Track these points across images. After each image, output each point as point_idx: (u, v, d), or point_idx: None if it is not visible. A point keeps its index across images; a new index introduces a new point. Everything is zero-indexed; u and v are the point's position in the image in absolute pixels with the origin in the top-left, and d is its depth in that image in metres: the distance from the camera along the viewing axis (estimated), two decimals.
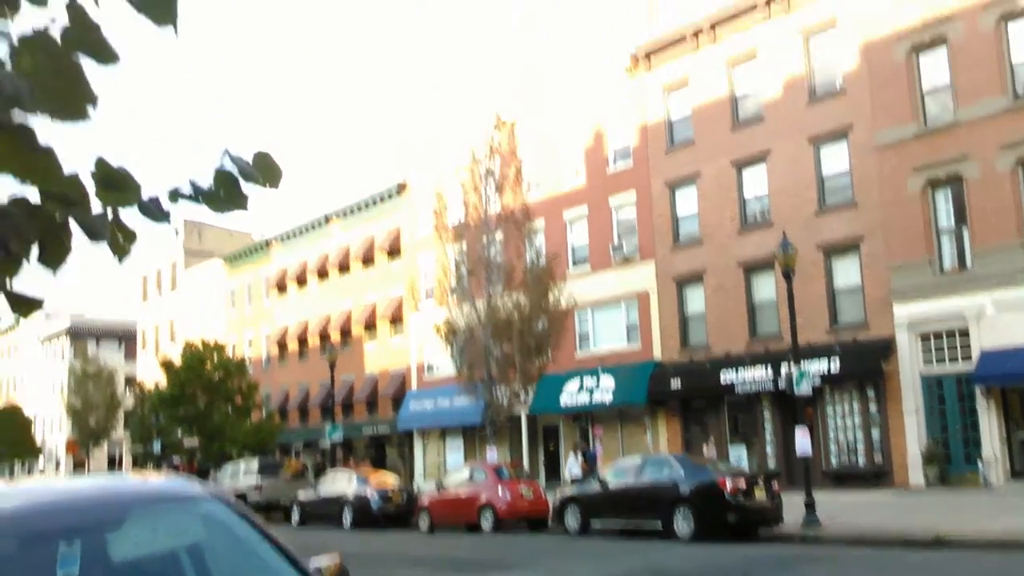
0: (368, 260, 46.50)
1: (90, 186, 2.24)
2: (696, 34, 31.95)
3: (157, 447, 48.63)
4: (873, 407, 26.68)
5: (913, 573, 12.47)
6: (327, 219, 49.41)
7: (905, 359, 25.66)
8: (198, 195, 2.37)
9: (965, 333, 24.64)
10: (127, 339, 74.01)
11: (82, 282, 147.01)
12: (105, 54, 2.09)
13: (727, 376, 29.18)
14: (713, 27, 31.48)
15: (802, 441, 19.11)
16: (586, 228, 35.66)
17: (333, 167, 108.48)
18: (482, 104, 35.58)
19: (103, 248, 2.33)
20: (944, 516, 17.65)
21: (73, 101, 2.05)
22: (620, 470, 20.97)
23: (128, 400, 59.83)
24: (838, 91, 28.12)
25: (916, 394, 25.47)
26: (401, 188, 44.52)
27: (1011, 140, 23.87)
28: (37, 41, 2.00)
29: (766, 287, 29.51)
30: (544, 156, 36.78)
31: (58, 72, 2.01)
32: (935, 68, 25.82)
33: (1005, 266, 23.74)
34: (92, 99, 2.08)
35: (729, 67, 31.18)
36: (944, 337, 25.24)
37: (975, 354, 24.08)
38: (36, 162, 2.08)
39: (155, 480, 4.46)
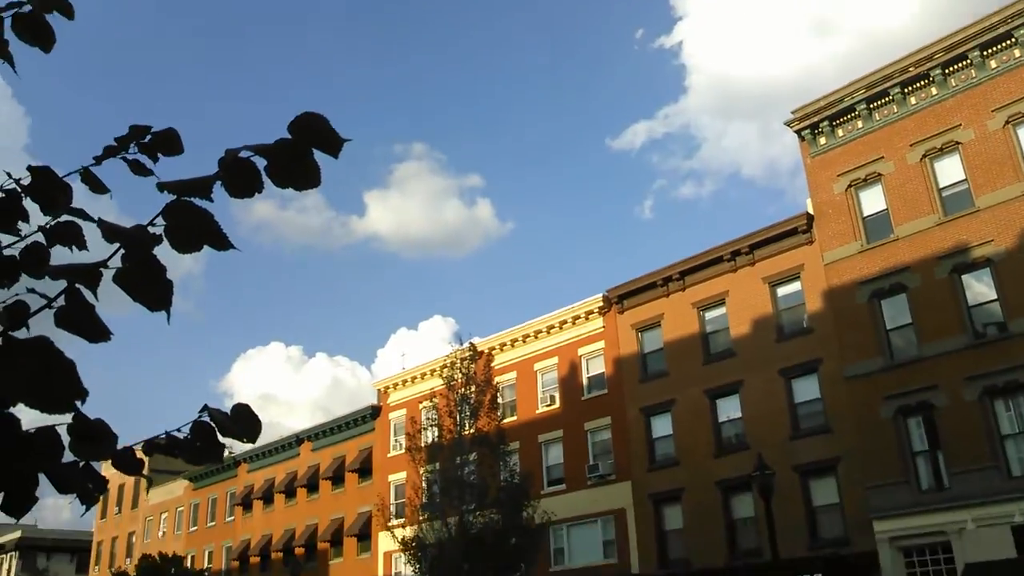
0: (338, 479, 43.37)
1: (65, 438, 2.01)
2: (666, 281, 31.92)
3: None
4: None
5: None
6: (299, 440, 46.74)
7: (888, 574, 23.70)
8: (174, 447, 2.18)
9: (948, 548, 22.95)
10: (79, 552, 66.72)
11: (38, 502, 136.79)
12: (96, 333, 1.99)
13: None
14: (682, 275, 31.66)
15: None
16: (561, 450, 33.76)
17: (304, 396, 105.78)
18: (459, 333, 35.13)
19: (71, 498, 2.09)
20: None
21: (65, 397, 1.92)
22: None
23: None
24: (805, 329, 27.87)
25: None
26: (376, 411, 42.56)
27: (975, 373, 23.38)
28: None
29: (744, 505, 27.61)
30: (520, 383, 35.77)
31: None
32: (897, 310, 25.75)
33: (982, 486, 22.54)
34: (82, 395, 1.94)
35: (699, 309, 30.93)
36: (927, 552, 23.47)
37: (959, 567, 22.32)
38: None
39: None
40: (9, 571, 66.67)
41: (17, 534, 69.79)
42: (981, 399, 23.36)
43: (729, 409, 29.17)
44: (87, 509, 2.18)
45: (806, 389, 27.46)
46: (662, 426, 30.93)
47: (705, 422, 29.43)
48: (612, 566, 30.38)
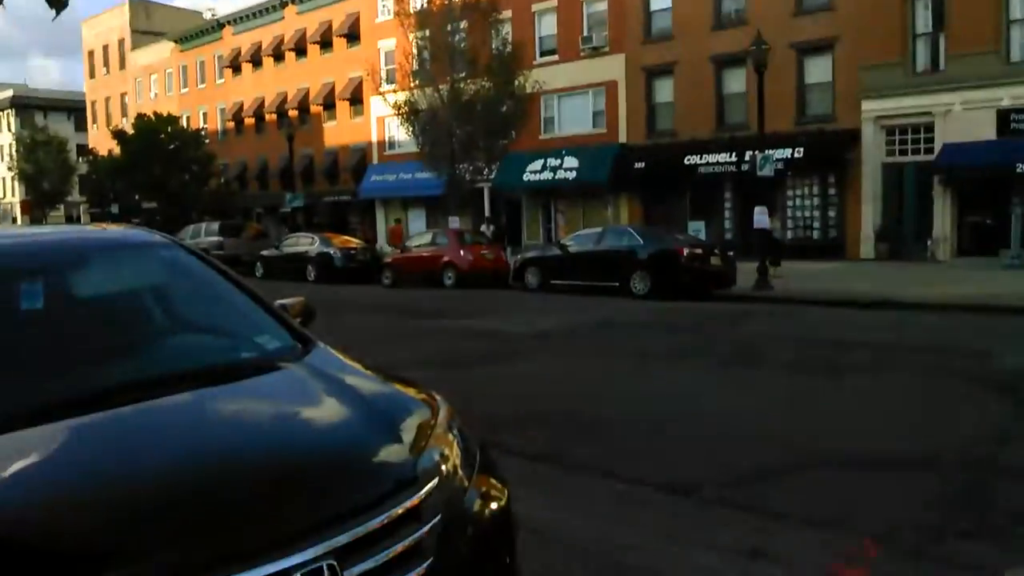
0: (326, 44, 42.51)
1: None
2: None
3: (115, 209, 45.72)
4: (832, 191, 25.78)
5: (854, 328, 11.71)
6: (283, 3, 44.82)
7: (869, 149, 24.60)
8: None
9: (930, 128, 23.58)
10: (76, 112, 68.14)
11: (22, 56, 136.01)
12: None
13: (691, 159, 27.68)
14: None
15: (760, 216, 18.27)
16: (555, 20, 32.69)
17: None
18: None
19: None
20: (889, 283, 17.40)
21: None
22: (581, 237, 19.88)
23: (82, 167, 55.87)
24: None
25: (876, 181, 24.65)
26: None
27: None
28: None
29: (736, 81, 27.60)
30: None
31: None
32: None
33: (977, 70, 22.35)
34: None
35: None
36: (909, 131, 24.15)
37: (937, 147, 23.16)
38: None
39: (116, 228, 3.89)
40: (10, 127, 68.60)
41: (9, 92, 70.56)
42: None
43: None
44: (57, 13, 2.21)
45: None
46: None
47: None
48: (600, 135, 31.27)
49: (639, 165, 29.19)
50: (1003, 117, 21.82)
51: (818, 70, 26.06)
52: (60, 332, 2.92)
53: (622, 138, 30.69)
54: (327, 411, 2.60)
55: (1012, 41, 22.39)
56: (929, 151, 23.53)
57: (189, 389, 2.62)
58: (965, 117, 22.63)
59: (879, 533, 3.97)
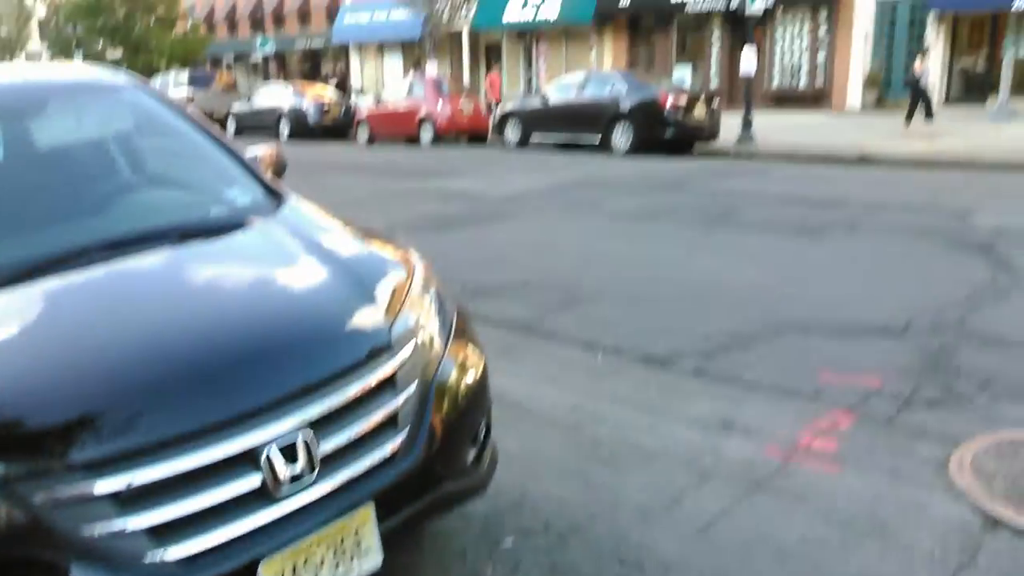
0: None
1: None
2: None
3: (78, 59, 44.03)
4: (823, 30, 25.02)
5: (836, 186, 11.71)
6: None
7: None
8: None
9: None
10: None
11: None
12: None
13: None
14: None
15: (748, 60, 17.68)
16: None
17: None
18: None
19: None
20: (874, 137, 17.17)
21: None
22: (562, 86, 19.38)
23: (40, 10, 53.25)
24: None
25: (868, 19, 23.94)
26: None
27: None
28: None
29: None
30: None
31: None
32: None
33: None
34: None
35: None
36: None
37: None
38: None
39: (77, 69, 3.58)
40: None
41: None
42: None
43: None
44: None
45: None
46: None
47: None
48: None
49: (624, 3, 28.11)
50: None
51: None
52: (22, 185, 2.85)
53: None
54: (298, 272, 2.54)
55: None
56: None
57: (157, 250, 2.56)
58: None
59: (850, 403, 4.12)
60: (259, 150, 3.56)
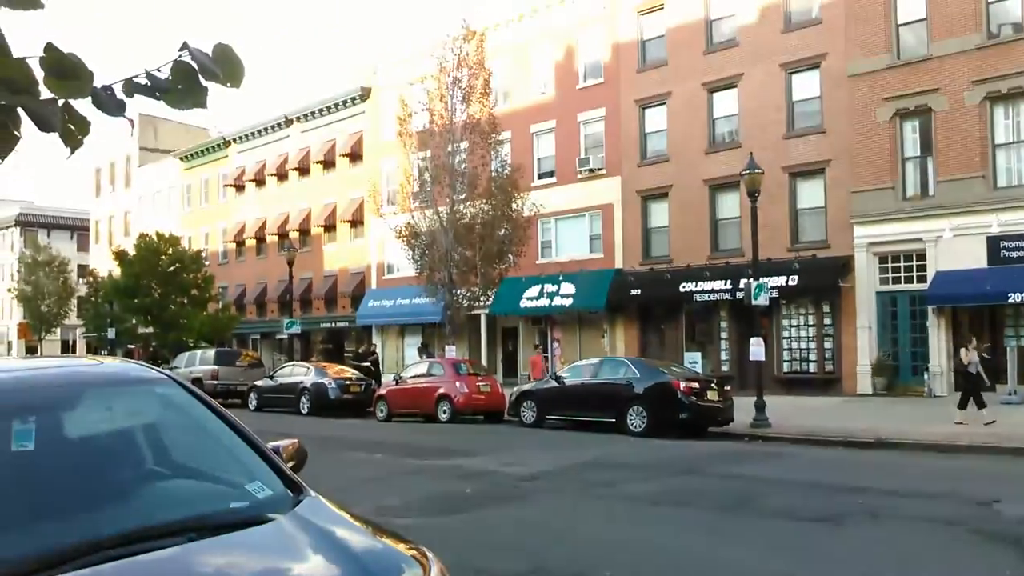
0: (329, 164, 43.79)
1: (39, 74, 2.00)
2: None
3: (112, 334, 45.91)
4: (828, 320, 25.88)
5: (854, 471, 11.71)
6: (287, 121, 46.30)
7: (862, 277, 24.88)
8: (155, 88, 2.11)
9: (922, 256, 23.89)
10: (79, 230, 69.33)
11: (32, 172, 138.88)
12: None
13: (687, 286, 27.93)
14: None
15: (756, 349, 18.38)
16: (553, 141, 33.76)
17: (293, 65, 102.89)
18: (452, 11, 33.07)
19: (54, 138, 2.11)
20: (887, 420, 17.36)
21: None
22: (577, 369, 20.06)
23: (81, 288, 56.36)
24: (814, 20, 26.65)
25: (870, 310, 24.77)
26: (365, 93, 41.83)
27: (982, 76, 22.79)
28: None
29: (730, 205, 28.27)
30: (513, 68, 34.85)
31: None
32: (912, 2, 24.51)
33: (966, 195, 22.92)
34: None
35: None
36: (902, 259, 24.48)
37: (930, 275, 23.39)
38: None
39: (111, 362, 3.95)
40: (12, 246, 69.52)
41: (16, 210, 71.90)
42: (982, 104, 22.96)
43: (726, 104, 28.75)
44: (72, 152, 2.18)
45: (806, 86, 26.85)
46: (656, 120, 30.69)
47: (700, 117, 29.16)
48: (597, 260, 31.74)
49: (635, 292, 29.50)
50: (993, 244, 22.28)
51: (811, 194, 26.64)
52: (50, 476, 2.91)
53: (619, 263, 31.13)
54: (315, 570, 2.56)
55: (998, 166, 22.94)
56: (922, 279, 23.77)
57: (176, 544, 2.58)
58: (956, 244, 22.99)
59: None
60: (281, 442, 3.67)
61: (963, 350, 17.67)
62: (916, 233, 23.80)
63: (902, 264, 24.53)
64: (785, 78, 27.14)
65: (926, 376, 23.32)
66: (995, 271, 22.02)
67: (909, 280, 24.31)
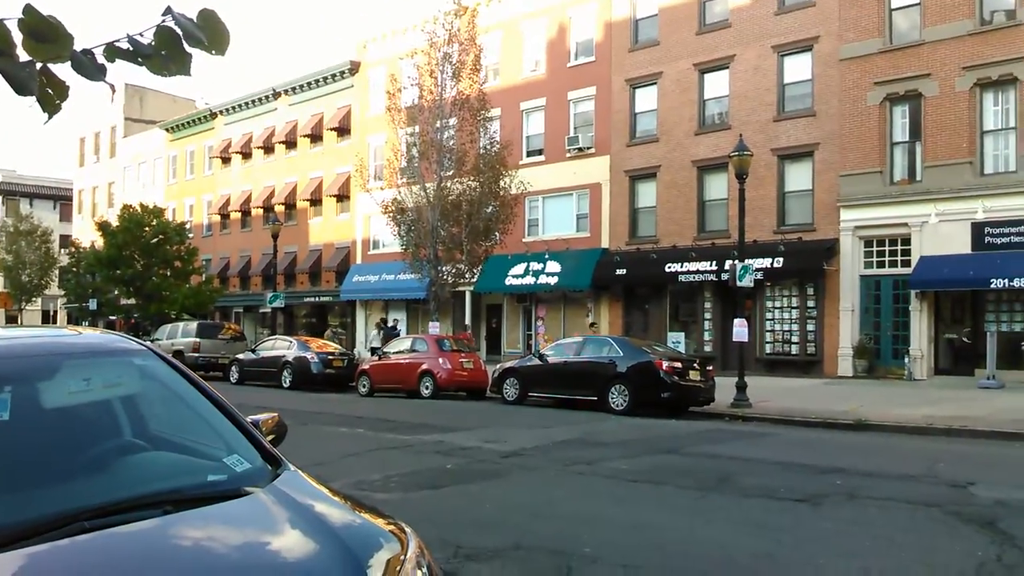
0: (316, 138, 43.56)
1: (17, 37, 1.93)
2: None
3: (93, 305, 45.62)
4: (811, 303, 26.05)
5: (833, 451, 11.84)
6: (275, 94, 45.94)
7: (847, 260, 25.05)
8: (137, 54, 2.05)
9: (907, 240, 24.08)
10: (62, 200, 68.67)
11: (13, 139, 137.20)
12: None
13: (672, 266, 28.08)
14: None
15: (739, 330, 18.53)
16: (543, 119, 33.71)
17: (282, 38, 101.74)
18: None
19: (32, 102, 2.04)
20: (867, 403, 17.58)
21: None
22: (560, 347, 20.14)
23: (63, 259, 55.91)
24: (807, 2, 26.57)
25: (854, 293, 24.96)
26: (354, 67, 41.51)
27: (973, 62, 22.93)
28: None
29: (718, 186, 28.35)
30: (504, 45, 34.68)
31: None
32: None
33: (953, 181, 23.10)
34: None
35: None
36: (887, 243, 24.66)
37: (914, 260, 23.59)
38: None
39: (90, 333, 3.90)
40: None
41: None
42: (972, 91, 23.03)
43: (717, 85, 28.74)
44: (49, 117, 2.14)
45: (798, 68, 26.89)
46: (647, 100, 30.66)
47: (691, 98, 29.16)
48: (584, 239, 31.76)
49: (621, 271, 29.58)
50: (978, 230, 22.44)
51: (799, 177, 26.75)
52: (26, 446, 2.88)
53: (605, 242, 31.18)
54: (292, 545, 2.56)
55: (985, 153, 23.11)
56: (906, 263, 23.98)
57: (153, 516, 2.58)
58: (941, 229, 23.18)
59: None
60: (261, 416, 3.66)
61: None
62: (902, 218, 23.97)
63: (887, 248, 24.70)
64: (777, 60, 27.16)
65: (906, 359, 23.55)
66: (978, 257, 22.22)
67: (893, 264, 24.48)
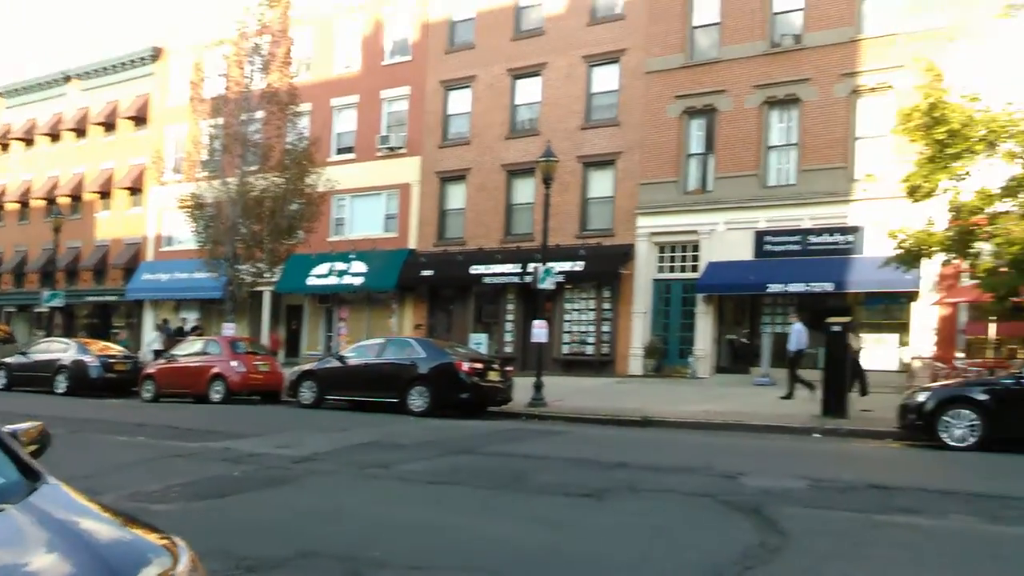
0: (110, 126, 40.74)
1: None
2: None
3: None
4: (607, 305, 27.15)
5: (619, 447, 12.58)
6: (66, 78, 42.64)
7: (642, 265, 26.28)
8: None
9: (696, 247, 25.59)
10: None
11: None
12: None
13: (477, 268, 28.50)
14: None
15: (539, 331, 19.13)
16: (354, 117, 33.17)
17: (77, 19, 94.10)
18: None
19: None
20: (653, 401, 18.64)
21: None
22: (362, 349, 20.00)
23: None
24: (617, 15, 27.71)
25: (647, 296, 26.23)
26: (156, 53, 39.16)
27: (763, 82, 24.67)
28: None
29: (525, 191, 28.98)
30: (318, 39, 33.90)
31: None
32: (708, 6, 26.08)
33: (740, 192, 24.75)
34: None
35: None
36: (678, 249, 26.11)
37: (702, 266, 25.11)
38: None
39: None
40: None
41: None
42: (760, 108, 24.82)
43: (528, 92, 29.45)
44: None
45: (606, 79, 27.98)
46: (460, 102, 30.96)
47: (503, 102, 29.70)
48: (391, 239, 31.56)
49: (427, 273, 29.70)
50: (759, 239, 24.23)
51: (601, 184, 27.82)
52: None
53: (412, 244, 31.16)
54: (45, 566, 2.33)
55: (769, 166, 24.91)
56: (695, 269, 25.49)
57: None
58: (727, 237, 24.81)
59: None
60: (21, 425, 3.37)
61: (851, 338, 17.14)
62: (693, 225, 25.47)
63: (678, 254, 26.16)
64: (586, 70, 28.18)
65: (690, 359, 25.03)
66: (759, 263, 24.01)
67: (684, 269, 25.98)
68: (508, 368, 18.74)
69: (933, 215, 15.73)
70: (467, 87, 30.63)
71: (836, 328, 15.91)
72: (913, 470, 11.20)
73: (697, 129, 26.25)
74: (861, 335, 19.32)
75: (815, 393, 16.94)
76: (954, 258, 16.22)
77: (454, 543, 6.70)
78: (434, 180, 31.00)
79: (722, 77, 25.41)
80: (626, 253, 26.41)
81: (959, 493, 8.95)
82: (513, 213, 29.42)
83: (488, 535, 7.00)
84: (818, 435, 14.37)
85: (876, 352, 21.43)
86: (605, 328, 27.14)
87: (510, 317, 28.95)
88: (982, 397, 12.56)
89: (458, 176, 30.55)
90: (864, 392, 17.93)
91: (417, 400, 17.44)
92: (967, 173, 14.93)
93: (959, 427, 12.55)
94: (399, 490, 9.12)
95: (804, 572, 5.91)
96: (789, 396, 18.35)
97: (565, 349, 27.61)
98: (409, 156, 31.58)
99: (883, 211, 20.20)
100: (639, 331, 26.18)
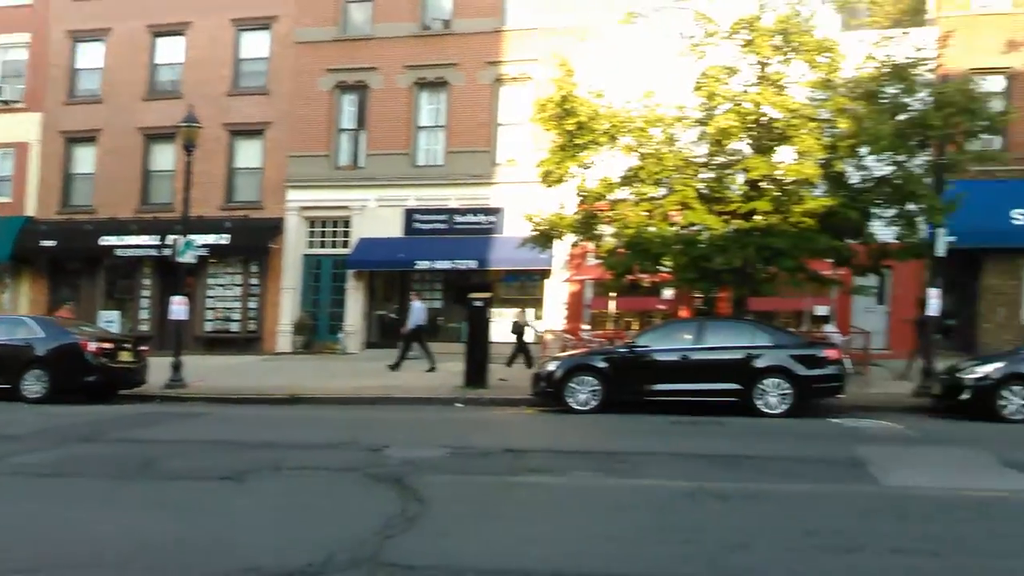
0: None
1: None
2: None
3: None
4: (254, 281, 26.21)
5: (263, 426, 12.51)
6: None
7: (291, 239, 25.70)
8: None
9: (347, 223, 25.54)
10: None
11: None
12: None
13: (109, 239, 26.04)
14: None
15: (178, 308, 18.13)
16: None
17: None
18: None
19: None
20: (301, 377, 18.69)
21: None
22: None
23: None
24: None
25: (296, 272, 25.72)
26: None
27: (412, 62, 25.09)
28: None
29: (165, 157, 26.91)
30: None
31: None
32: None
33: (390, 169, 25.06)
34: None
35: None
36: (329, 224, 25.86)
37: (353, 241, 25.16)
38: None
39: None
40: None
41: None
42: (411, 88, 25.31)
43: (170, 51, 27.35)
44: None
45: (255, 45, 26.80)
46: (91, 56, 27.99)
47: (141, 60, 27.30)
48: (4, 204, 27.75)
49: (48, 243, 26.60)
50: (409, 216, 24.84)
51: (249, 154, 26.68)
52: None
53: (30, 210, 27.68)
54: None
55: (419, 146, 25.47)
56: (346, 244, 25.44)
57: None
58: (379, 213, 25.07)
59: None
60: None
61: (518, 311, 19.64)
62: (345, 201, 25.42)
63: (329, 229, 25.95)
64: (235, 34, 26.85)
65: (340, 335, 25.06)
66: (408, 241, 24.59)
67: (335, 245, 25.82)
68: (143, 348, 17.37)
69: (565, 200, 17.19)
70: (100, 40, 27.74)
71: (478, 303, 16.84)
72: (544, 433, 12.18)
73: (349, 104, 26.14)
74: (527, 311, 21.42)
75: (435, 365, 18.39)
76: (581, 239, 17.89)
77: (69, 540, 6.06)
78: (58, 140, 27.71)
79: (374, 54, 25.51)
80: (275, 227, 25.64)
81: (582, 452, 9.89)
82: (151, 180, 27.23)
83: (109, 528, 6.40)
84: (460, 405, 15.11)
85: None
86: (252, 304, 26.17)
87: (147, 293, 26.81)
88: (602, 365, 14.07)
89: (87, 137, 27.59)
90: (529, 365, 19.38)
91: (34, 385, 15.62)
92: (592, 162, 16.52)
93: (583, 392, 13.95)
94: (10, 485, 8.11)
95: (440, 535, 6.15)
96: (396, 367, 19.43)
97: (208, 327, 26.20)
98: (28, 112, 27.91)
99: (522, 194, 21.57)
100: (288, 307, 25.62)
